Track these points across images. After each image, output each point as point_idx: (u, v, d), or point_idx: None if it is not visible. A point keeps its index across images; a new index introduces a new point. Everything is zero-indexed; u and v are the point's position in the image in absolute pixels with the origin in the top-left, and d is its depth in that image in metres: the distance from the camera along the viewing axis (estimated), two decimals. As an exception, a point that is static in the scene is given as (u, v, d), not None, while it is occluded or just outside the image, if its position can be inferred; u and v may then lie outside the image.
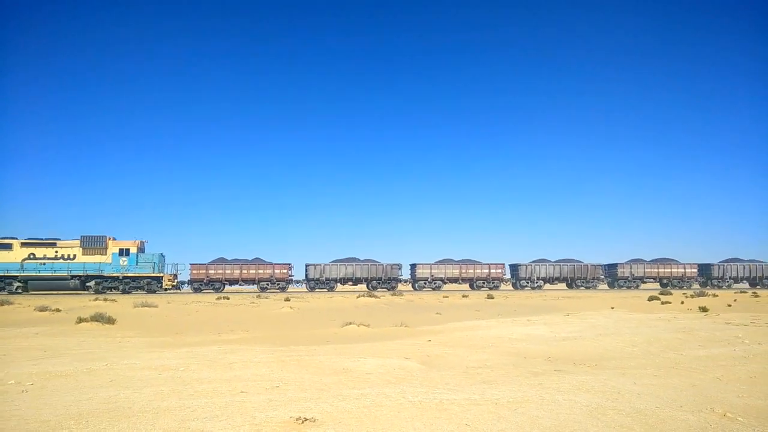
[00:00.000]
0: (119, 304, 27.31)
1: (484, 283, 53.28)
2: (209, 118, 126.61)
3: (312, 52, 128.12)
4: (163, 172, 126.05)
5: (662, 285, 54.80)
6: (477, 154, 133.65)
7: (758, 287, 53.31)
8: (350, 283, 52.65)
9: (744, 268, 56.08)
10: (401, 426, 5.34)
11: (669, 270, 55.63)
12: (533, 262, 55.52)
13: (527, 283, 53.86)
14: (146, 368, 8.73)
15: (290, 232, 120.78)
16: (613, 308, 25.88)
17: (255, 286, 51.26)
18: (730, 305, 27.37)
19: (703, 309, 23.35)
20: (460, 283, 53.57)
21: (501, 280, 54.20)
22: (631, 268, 55.46)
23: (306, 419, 5.45)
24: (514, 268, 54.96)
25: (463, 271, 53.25)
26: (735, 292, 39.80)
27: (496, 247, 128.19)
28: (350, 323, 16.51)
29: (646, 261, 57.03)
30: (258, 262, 52.09)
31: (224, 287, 50.62)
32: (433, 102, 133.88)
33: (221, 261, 51.76)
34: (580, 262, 56.18)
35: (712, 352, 10.48)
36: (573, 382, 7.57)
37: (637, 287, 54.77)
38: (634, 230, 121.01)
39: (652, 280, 56.25)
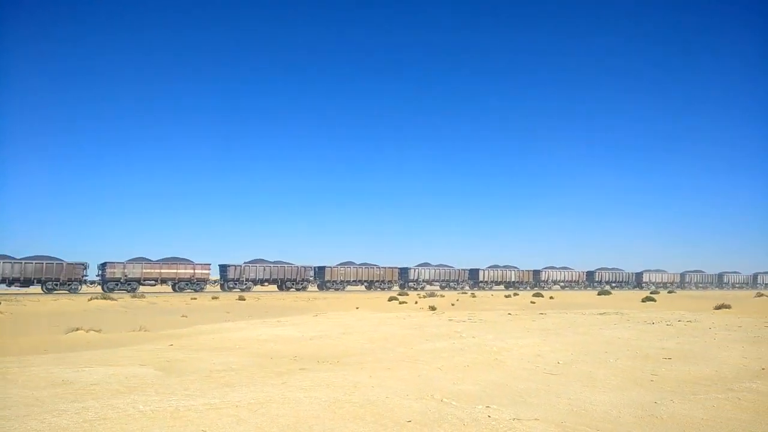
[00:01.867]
0: None
1: None
2: None
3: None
4: None
5: (174, 289, 49.64)
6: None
7: (283, 290, 55.05)
8: None
9: (266, 269, 56.28)
10: (128, 439, 4.83)
11: (176, 271, 50.57)
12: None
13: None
14: None
15: None
16: (358, 308, 27.71)
17: None
18: (453, 304, 31.62)
19: (432, 308, 26.57)
20: None
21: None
22: (124, 267, 47.75)
23: (3, 443, 4.56)
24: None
25: None
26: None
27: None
28: (78, 329, 14.60)
29: (150, 260, 50.05)
30: None
31: None
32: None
33: None
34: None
35: (436, 345, 11.87)
36: (315, 379, 7.81)
37: (134, 290, 46.44)
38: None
39: (153, 281, 49.11)
